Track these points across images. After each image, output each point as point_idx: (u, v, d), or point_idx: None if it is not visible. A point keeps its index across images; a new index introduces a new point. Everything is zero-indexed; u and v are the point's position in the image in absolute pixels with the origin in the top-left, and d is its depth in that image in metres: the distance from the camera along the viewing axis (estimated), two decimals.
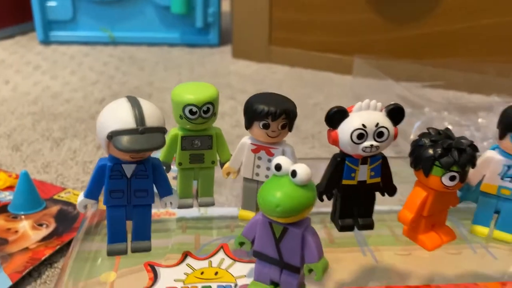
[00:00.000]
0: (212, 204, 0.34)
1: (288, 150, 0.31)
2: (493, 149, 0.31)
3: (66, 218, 0.44)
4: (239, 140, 0.54)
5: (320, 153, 0.61)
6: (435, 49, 0.83)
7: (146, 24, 1.02)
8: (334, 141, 0.29)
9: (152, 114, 0.26)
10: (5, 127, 0.63)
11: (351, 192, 0.31)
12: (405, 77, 0.79)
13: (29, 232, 0.42)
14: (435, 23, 0.80)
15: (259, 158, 0.31)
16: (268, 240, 0.25)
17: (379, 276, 0.36)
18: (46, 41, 1.01)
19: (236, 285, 0.28)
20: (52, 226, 0.43)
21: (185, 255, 0.31)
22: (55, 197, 0.48)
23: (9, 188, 0.49)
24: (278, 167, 0.24)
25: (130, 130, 0.25)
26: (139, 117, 0.25)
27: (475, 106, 0.74)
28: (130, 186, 0.27)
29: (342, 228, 0.32)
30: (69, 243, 0.41)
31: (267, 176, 0.32)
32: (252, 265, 0.27)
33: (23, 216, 0.44)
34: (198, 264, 0.30)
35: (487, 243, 0.34)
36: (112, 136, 0.25)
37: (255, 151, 0.31)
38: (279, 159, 0.24)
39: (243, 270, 0.29)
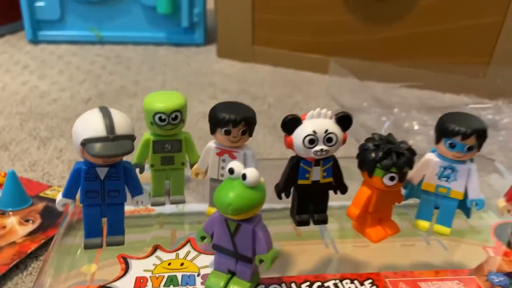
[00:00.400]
0: (183, 201, 0.38)
1: (249, 153, 0.34)
2: (432, 152, 0.34)
3: (51, 214, 0.47)
4: None
5: None
6: (409, 50, 0.86)
7: (132, 24, 1.05)
8: (290, 146, 0.33)
9: (121, 123, 0.29)
10: None
11: (306, 191, 0.34)
12: (380, 78, 0.83)
13: (16, 227, 0.45)
14: (409, 26, 0.83)
15: (223, 161, 0.35)
16: (224, 234, 0.28)
17: (338, 265, 0.39)
18: (34, 41, 1.03)
19: (199, 274, 0.31)
20: (38, 221, 0.46)
21: (155, 248, 0.34)
22: (41, 194, 0.51)
23: None
24: (231, 171, 0.27)
25: (101, 138, 0.28)
26: (110, 126, 0.28)
27: (445, 106, 0.78)
28: (104, 187, 0.31)
29: (299, 223, 0.35)
30: (53, 238, 0.45)
31: (227, 169, 0.35)
32: (213, 257, 0.31)
33: (10, 213, 0.47)
34: (166, 256, 0.33)
35: (428, 236, 0.38)
36: (85, 143, 0.28)
37: (219, 154, 0.35)
38: (232, 164, 0.27)
39: (206, 261, 0.33)
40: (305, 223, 0.35)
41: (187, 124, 0.62)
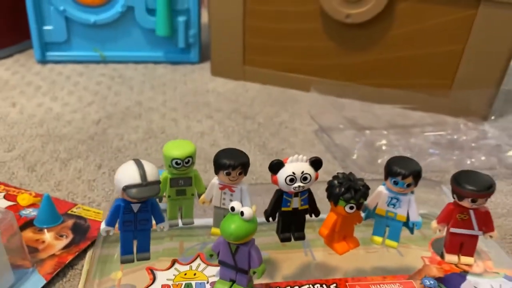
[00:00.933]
0: (192, 223, 0.48)
1: (244, 188, 0.45)
2: (383, 185, 0.45)
3: (80, 230, 0.58)
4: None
5: None
6: (381, 73, 0.97)
7: (133, 45, 1.14)
8: (275, 182, 0.43)
9: (151, 173, 0.39)
10: (19, 150, 0.76)
11: (288, 216, 0.45)
12: (356, 97, 0.94)
13: (53, 242, 0.55)
14: (381, 51, 0.94)
15: (225, 193, 0.45)
16: (228, 253, 0.39)
17: (314, 271, 0.50)
18: (43, 61, 1.12)
19: (208, 282, 0.41)
20: (70, 236, 0.56)
21: (173, 261, 0.44)
22: (69, 212, 0.61)
23: (32, 205, 0.62)
24: (232, 209, 0.37)
25: (137, 185, 0.38)
26: (143, 175, 0.38)
27: (409, 124, 0.89)
28: (136, 217, 0.41)
29: (282, 240, 0.46)
30: (85, 250, 0.55)
31: (229, 207, 0.45)
32: (219, 268, 0.41)
33: (46, 229, 0.57)
34: (183, 268, 0.43)
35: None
36: (126, 189, 0.38)
37: (221, 188, 0.45)
38: (233, 203, 0.37)
39: (212, 271, 0.43)
40: (288, 239, 0.46)
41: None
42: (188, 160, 0.44)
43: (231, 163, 0.42)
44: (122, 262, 0.43)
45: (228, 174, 0.43)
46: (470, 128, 0.85)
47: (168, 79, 1.09)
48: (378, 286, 0.42)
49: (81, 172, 0.71)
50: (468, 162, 0.75)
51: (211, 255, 0.40)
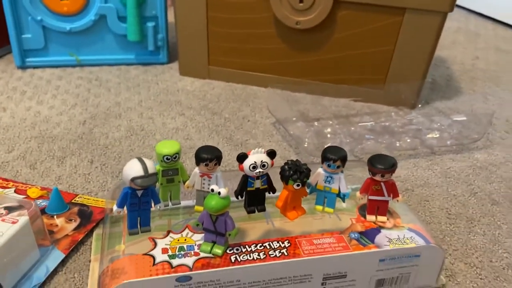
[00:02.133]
0: (179, 203, 0.63)
1: (219, 175, 0.60)
2: (321, 168, 0.61)
3: (85, 214, 0.71)
4: (190, 150, 0.82)
5: None
6: (328, 70, 1.13)
7: (106, 49, 1.25)
8: (241, 170, 0.58)
9: (151, 167, 0.53)
10: (18, 150, 0.88)
11: (252, 194, 0.60)
12: (307, 91, 1.10)
13: (65, 225, 0.69)
14: (327, 52, 1.10)
15: (204, 179, 0.60)
16: (209, 222, 0.54)
17: (273, 234, 0.65)
18: (23, 66, 1.22)
19: (195, 244, 0.56)
20: (78, 220, 0.70)
21: (168, 232, 0.59)
22: (73, 201, 0.74)
23: (41, 197, 0.75)
24: (212, 190, 0.52)
25: (142, 176, 0.52)
26: (145, 169, 0.52)
27: (353, 114, 1.06)
28: (140, 200, 0.55)
29: (249, 212, 0.61)
30: (91, 230, 0.69)
31: (210, 189, 0.60)
32: (203, 235, 0.56)
33: (56, 216, 0.71)
34: (176, 236, 0.58)
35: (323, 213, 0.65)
36: (133, 180, 0.52)
37: (201, 176, 0.60)
38: (212, 186, 0.52)
39: (198, 237, 0.58)
40: (253, 212, 0.61)
41: (165, 136, 0.86)
42: (176, 156, 0.58)
43: (209, 156, 0.57)
44: (130, 234, 0.57)
45: (206, 165, 0.58)
46: (399, 116, 1.03)
47: (141, 80, 1.21)
48: (318, 239, 0.58)
49: (77, 167, 0.84)
50: (397, 144, 0.93)
51: (197, 225, 0.55)
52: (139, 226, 0.57)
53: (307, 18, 1.05)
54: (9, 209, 0.60)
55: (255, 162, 0.56)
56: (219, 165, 0.59)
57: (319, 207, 0.62)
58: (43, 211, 0.71)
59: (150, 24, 1.22)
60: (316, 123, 0.96)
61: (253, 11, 1.10)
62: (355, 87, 1.11)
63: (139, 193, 0.54)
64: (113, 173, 0.82)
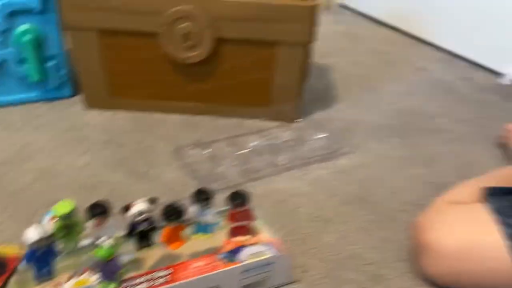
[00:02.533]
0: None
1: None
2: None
3: None
4: (100, 185, 0.93)
5: (152, 187, 1.03)
6: (220, 96, 1.28)
7: (8, 90, 1.31)
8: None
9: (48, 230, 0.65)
10: None
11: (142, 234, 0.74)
12: (203, 114, 1.24)
13: None
14: (214, 80, 1.25)
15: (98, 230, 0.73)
16: (99, 265, 0.68)
17: (165, 259, 0.79)
18: None
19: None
20: None
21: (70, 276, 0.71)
22: None
23: None
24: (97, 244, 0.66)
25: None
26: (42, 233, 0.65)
27: (243, 133, 1.22)
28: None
29: (140, 249, 0.75)
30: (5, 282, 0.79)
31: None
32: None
33: None
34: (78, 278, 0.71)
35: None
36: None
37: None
38: (99, 240, 0.66)
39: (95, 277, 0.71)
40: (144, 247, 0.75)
41: (71, 179, 0.96)
42: (72, 214, 0.71)
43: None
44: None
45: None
46: (281, 132, 1.21)
47: (47, 118, 1.28)
48: (194, 263, 0.72)
49: None
50: (278, 159, 1.10)
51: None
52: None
53: (194, 54, 1.19)
54: None
55: (140, 211, 0.70)
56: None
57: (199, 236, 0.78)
58: None
59: (51, 63, 1.30)
60: (208, 149, 1.11)
61: (147, 50, 1.21)
62: (244, 108, 1.27)
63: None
64: (28, 220, 0.92)
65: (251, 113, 1.28)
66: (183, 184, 1.03)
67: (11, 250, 0.83)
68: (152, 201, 0.72)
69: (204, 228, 0.76)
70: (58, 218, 0.70)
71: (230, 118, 1.28)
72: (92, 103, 1.32)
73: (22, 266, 0.67)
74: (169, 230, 0.73)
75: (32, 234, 0.64)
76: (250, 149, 1.11)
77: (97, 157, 1.12)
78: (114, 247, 0.65)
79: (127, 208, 0.71)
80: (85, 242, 0.72)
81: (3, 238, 0.87)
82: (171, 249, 0.74)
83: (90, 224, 0.71)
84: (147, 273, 0.70)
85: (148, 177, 1.06)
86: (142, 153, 1.15)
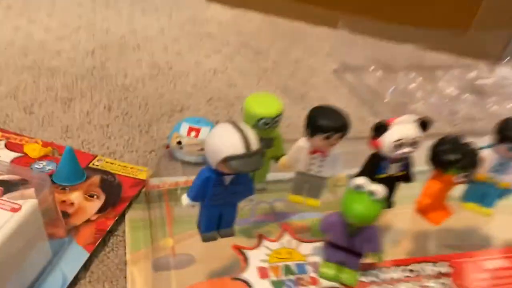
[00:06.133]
0: (264, 189, 0.42)
1: (337, 154, 0.39)
2: (487, 147, 0.41)
3: (111, 188, 0.50)
4: (237, 101, 0.61)
5: None
6: (402, 7, 0.90)
7: None
8: (377, 147, 0.38)
9: (254, 140, 0.32)
10: (7, 85, 0.64)
11: (384, 180, 0.40)
12: (384, 37, 0.87)
13: (84, 203, 0.47)
14: None
15: (314, 158, 0.39)
16: (343, 235, 0.34)
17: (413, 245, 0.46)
18: None
19: (306, 262, 0.36)
20: (102, 196, 0.48)
21: (260, 237, 0.38)
22: (91, 165, 0.52)
23: (44, 157, 0.52)
24: (359, 187, 0.32)
25: (242, 156, 0.31)
26: (247, 143, 0.31)
27: (437, 65, 0.85)
28: (227, 190, 0.34)
29: None
30: (123, 213, 0.47)
31: (318, 171, 0.39)
32: (314, 245, 0.36)
33: (68, 188, 0.49)
34: (273, 246, 0.38)
35: None
36: (227, 160, 0.31)
37: (311, 153, 0.39)
38: (359, 181, 0.32)
39: (308, 249, 0.38)
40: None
41: (201, 84, 0.64)
42: (277, 120, 0.37)
43: (335, 126, 0.36)
44: (204, 240, 0.36)
45: (328, 137, 0.37)
46: (490, 71, 0.83)
47: (159, 3, 0.95)
48: (489, 261, 0.39)
49: (90, 115, 0.61)
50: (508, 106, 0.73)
51: (316, 234, 0.35)
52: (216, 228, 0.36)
53: None
54: (6, 186, 0.38)
55: (401, 138, 0.36)
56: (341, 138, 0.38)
57: (471, 205, 0.43)
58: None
59: None
60: (395, 74, 0.74)
61: None
62: (432, 31, 0.88)
63: (228, 179, 0.33)
64: (141, 127, 0.60)
65: (441, 39, 0.89)
66: (361, 116, 0.68)
67: (123, 169, 0.52)
68: (424, 124, 0.37)
69: (491, 195, 0.41)
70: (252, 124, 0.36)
71: (409, 43, 0.90)
72: None
73: (184, 205, 0.34)
74: (443, 187, 0.38)
75: (233, 141, 0.31)
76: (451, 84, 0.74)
77: (230, 62, 0.78)
78: (381, 204, 0.31)
79: (382, 128, 0.36)
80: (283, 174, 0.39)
81: (109, 148, 0.55)
82: (429, 221, 0.40)
83: (304, 145, 0.37)
84: (405, 262, 0.36)
85: (306, 99, 0.72)
86: (292, 68, 0.80)
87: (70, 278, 0.40)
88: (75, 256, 0.42)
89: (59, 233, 0.43)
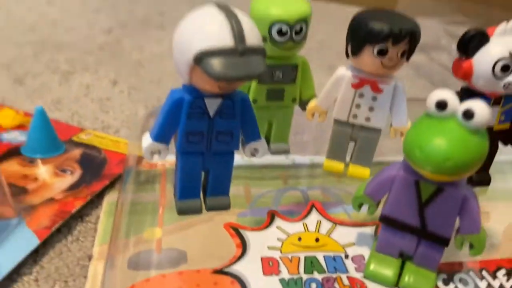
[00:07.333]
0: (287, 152, 0.28)
1: (400, 86, 0.25)
2: None
3: (92, 164, 0.38)
4: None
5: None
6: None
7: None
8: (466, 74, 0.23)
9: (252, 30, 0.19)
10: (2, 57, 0.55)
11: None
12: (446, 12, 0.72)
13: (51, 179, 0.36)
14: None
15: (361, 96, 0.25)
16: (409, 203, 0.19)
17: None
18: None
19: (346, 255, 0.22)
20: (78, 172, 0.37)
21: (272, 214, 0.25)
22: (74, 138, 0.41)
23: (19, 127, 0.42)
24: (442, 105, 0.17)
25: (228, 50, 0.18)
26: (238, 32, 0.18)
27: None
28: (213, 127, 0.21)
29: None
30: (101, 193, 0.35)
31: (367, 119, 0.25)
32: (357, 229, 0.21)
33: (40, 160, 0.37)
34: (292, 228, 0.24)
35: None
36: (203, 57, 0.18)
37: (357, 86, 0.25)
38: (442, 94, 0.17)
39: (348, 235, 0.23)
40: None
41: None
42: (301, 28, 0.24)
43: (395, 30, 0.22)
44: (181, 211, 0.23)
45: (384, 52, 0.23)
46: None
47: None
48: None
49: (90, 88, 0.50)
50: None
51: (361, 205, 0.20)
52: (202, 195, 0.23)
53: None
54: None
55: (511, 54, 0.20)
56: (408, 60, 0.23)
57: None
58: (17, 150, 0.38)
59: None
60: None
61: None
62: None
63: (212, 105, 0.20)
64: (147, 102, 0.48)
65: None
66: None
67: (114, 145, 0.40)
68: None
69: None
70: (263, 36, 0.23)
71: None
72: None
73: (145, 149, 0.20)
74: None
75: (215, 27, 0.17)
76: None
77: None
78: (484, 134, 0.16)
79: (480, 39, 0.21)
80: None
81: (104, 123, 0.44)
82: None
83: (346, 72, 0.23)
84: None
85: None
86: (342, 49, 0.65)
87: (3, 272, 0.28)
88: (20, 243, 0.30)
89: (6, 212, 0.31)
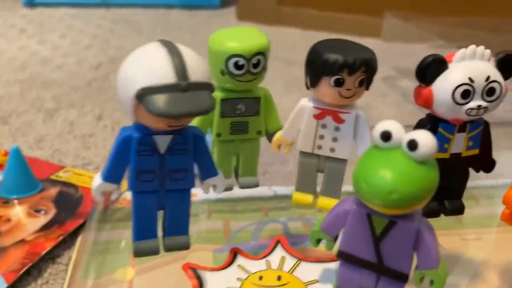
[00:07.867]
0: (256, 185, 0.28)
1: (362, 115, 0.24)
2: None
3: (68, 203, 0.37)
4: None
5: None
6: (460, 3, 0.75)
7: None
8: (426, 101, 0.22)
9: (197, 65, 0.18)
10: None
11: (441, 168, 0.24)
12: (438, 37, 0.72)
13: (24, 220, 0.35)
14: None
15: (324, 126, 0.24)
16: (364, 238, 0.18)
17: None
18: (31, 4, 0.91)
19: None
20: (52, 212, 0.36)
21: (234, 253, 0.24)
22: (53, 177, 0.41)
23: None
24: (386, 136, 0.17)
25: (170, 86, 0.17)
26: (181, 68, 0.18)
27: None
28: (164, 164, 0.20)
29: (424, 214, 0.25)
30: (73, 233, 0.34)
31: (332, 150, 0.25)
32: (323, 265, 0.21)
33: (15, 201, 0.37)
34: (253, 266, 0.23)
35: None
36: (144, 94, 0.17)
37: (318, 116, 0.24)
38: (387, 125, 0.17)
39: (312, 272, 0.22)
40: (434, 214, 0.25)
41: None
42: (258, 61, 0.23)
43: (349, 60, 0.21)
44: (138, 254, 0.22)
45: (340, 83, 0.22)
46: None
47: (185, 24, 0.87)
48: None
49: (74, 125, 0.50)
50: None
51: (318, 241, 0.20)
52: (161, 234, 0.22)
53: None
54: None
55: (470, 80, 0.20)
56: (368, 88, 0.23)
57: None
58: None
59: None
60: None
61: None
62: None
63: (162, 142, 0.19)
64: None
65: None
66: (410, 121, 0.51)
67: (92, 181, 0.40)
68: (506, 63, 0.21)
69: None
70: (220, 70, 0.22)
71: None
72: (250, 13, 0.88)
73: (94, 190, 0.20)
74: None
75: (158, 63, 0.17)
76: None
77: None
78: (433, 165, 0.16)
79: (437, 67, 0.21)
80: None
81: (85, 160, 0.44)
82: None
83: (308, 104, 0.23)
84: None
85: None
86: None
87: None
88: None
89: None
